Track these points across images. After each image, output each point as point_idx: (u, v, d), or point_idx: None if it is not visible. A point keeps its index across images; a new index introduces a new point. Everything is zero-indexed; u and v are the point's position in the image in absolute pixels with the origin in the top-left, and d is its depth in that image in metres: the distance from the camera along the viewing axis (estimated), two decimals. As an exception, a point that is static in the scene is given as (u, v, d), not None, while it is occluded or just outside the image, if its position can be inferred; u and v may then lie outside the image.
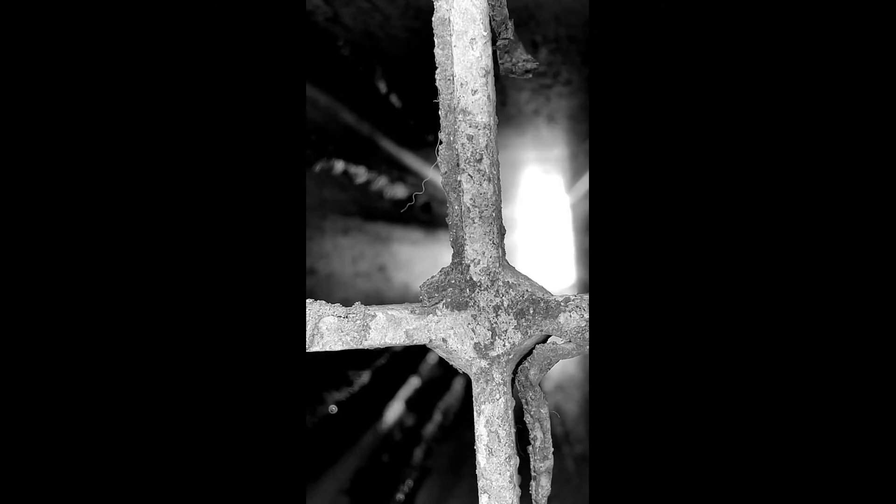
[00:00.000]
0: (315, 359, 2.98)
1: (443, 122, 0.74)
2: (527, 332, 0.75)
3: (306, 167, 3.27)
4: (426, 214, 6.68)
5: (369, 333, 0.75)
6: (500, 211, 0.75)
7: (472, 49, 0.73)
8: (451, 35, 0.73)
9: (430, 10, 0.74)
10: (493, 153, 0.74)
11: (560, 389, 5.44)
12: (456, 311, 0.75)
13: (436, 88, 0.75)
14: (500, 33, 0.76)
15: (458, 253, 0.76)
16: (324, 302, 0.75)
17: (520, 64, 0.77)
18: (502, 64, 0.77)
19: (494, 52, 0.76)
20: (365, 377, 4.28)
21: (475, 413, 0.76)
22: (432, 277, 0.76)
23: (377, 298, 4.84)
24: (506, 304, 0.75)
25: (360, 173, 4.26)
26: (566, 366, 6.09)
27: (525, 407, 0.80)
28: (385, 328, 0.75)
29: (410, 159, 5.48)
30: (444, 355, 0.77)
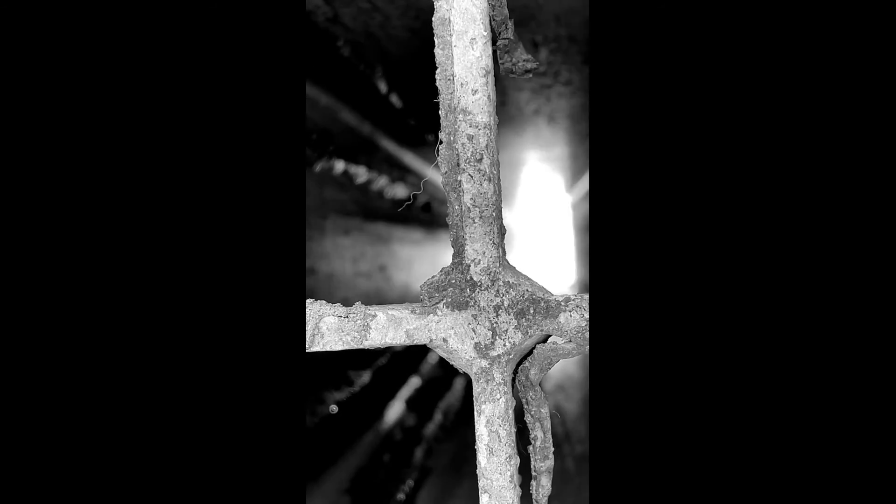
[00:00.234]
0: (315, 359, 2.98)
1: (443, 122, 0.74)
2: (527, 332, 0.75)
3: (307, 167, 3.27)
4: (426, 214, 6.68)
5: (370, 333, 0.75)
6: (500, 211, 0.75)
7: (473, 49, 0.73)
8: (451, 35, 0.73)
9: (431, 10, 0.74)
10: (494, 153, 0.74)
11: (560, 389, 5.44)
12: (456, 311, 0.75)
13: (436, 88, 0.75)
14: (500, 33, 0.76)
15: (459, 253, 0.76)
16: (324, 302, 0.75)
17: (520, 64, 0.77)
18: (502, 64, 0.78)
19: (495, 52, 0.76)
20: (365, 377, 4.29)
21: (476, 413, 0.76)
22: (433, 277, 0.76)
23: (377, 298, 4.85)
24: (506, 303, 0.75)
25: (361, 173, 4.26)
26: (566, 366, 6.09)
27: (525, 407, 0.80)
28: (386, 328, 0.75)
29: (411, 159, 5.49)
30: (444, 355, 0.78)
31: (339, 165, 3.82)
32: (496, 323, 0.75)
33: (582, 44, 2.84)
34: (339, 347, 0.75)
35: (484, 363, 0.76)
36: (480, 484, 0.77)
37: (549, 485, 0.79)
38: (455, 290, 0.75)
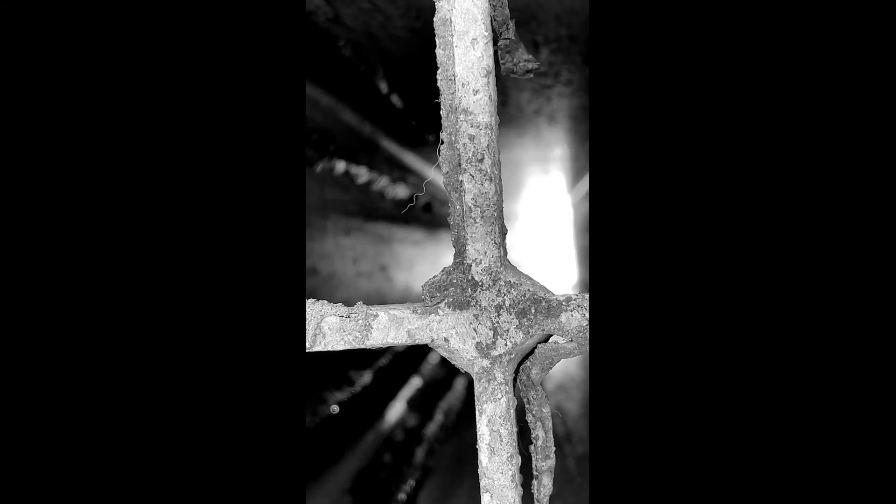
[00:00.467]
0: (317, 359, 2.98)
1: (444, 123, 0.75)
2: (528, 332, 0.75)
3: (308, 167, 3.28)
4: (428, 214, 6.68)
5: (371, 333, 0.75)
6: (501, 211, 0.76)
7: (474, 49, 0.73)
8: (452, 35, 0.73)
9: (432, 11, 0.74)
10: (495, 153, 0.74)
11: (562, 389, 5.44)
12: (458, 311, 0.76)
13: (437, 88, 0.75)
14: (501, 33, 0.76)
15: (460, 253, 0.76)
16: (326, 302, 0.75)
17: (521, 64, 0.77)
18: (503, 64, 0.78)
19: (496, 53, 0.76)
20: (367, 377, 4.29)
21: (477, 412, 0.77)
22: (434, 277, 0.76)
23: (379, 298, 4.85)
24: (507, 303, 0.75)
25: (362, 173, 4.26)
26: (568, 365, 6.09)
27: (527, 406, 0.80)
28: (387, 328, 0.75)
29: (412, 159, 5.49)
30: (445, 355, 0.78)
31: (341, 166, 3.82)
32: (497, 322, 0.75)
33: (583, 44, 2.84)
34: (340, 347, 0.75)
35: (485, 363, 0.76)
36: (482, 483, 0.77)
37: (551, 484, 0.79)
38: (456, 289, 0.75)
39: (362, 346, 0.75)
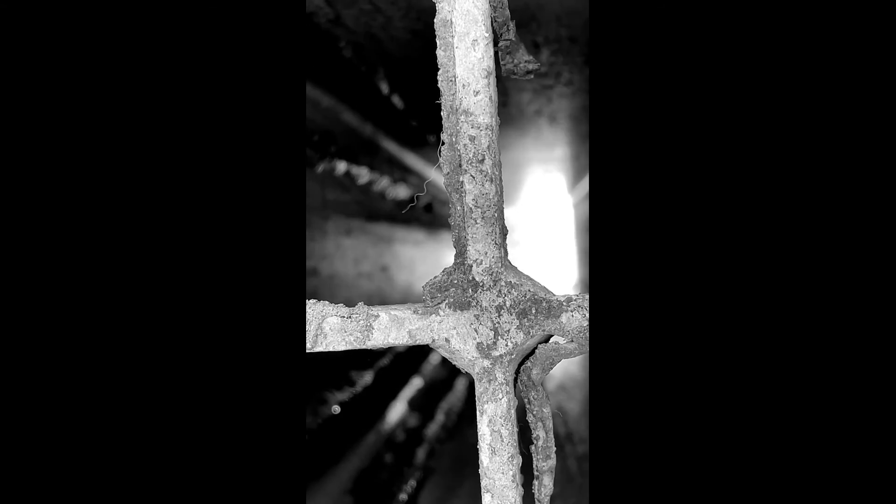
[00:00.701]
0: (317, 359, 2.98)
1: (445, 123, 0.75)
2: (529, 332, 0.75)
3: (309, 168, 3.28)
4: (428, 215, 6.68)
5: (372, 333, 0.75)
6: (502, 211, 0.76)
7: (474, 50, 0.73)
8: (453, 36, 0.73)
9: (432, 12, 0.74)
10: (495, 154, 0.74)
11: (562, 389, 5.44)
12: (458, 311, 0.76)
13: (438, 89, 0.75)
14: (501, 34, 0.76)
15: (461, 253, 0.76)
16: (327, 302, 0.75)
17: (521, 65, 0.77)
18: (504, 65, 0.78)
19: (496, 54, 0.76)
20: (367, 377, 4.29)
21: (478, 413, 0.77)
22: (435, 278, 0.76)
23: (380, 299, 4.85)
24: (508, 303, 0.75)
25: (363, 174, 4.26)
26: (568, 365, 6.09)
27: (527, 406, 0.80)
28: (388, 328, 0.75)
29: (412, 160, 5.49)
30: (446, 355, 0.78)
31: (341, 166, 3.83)
32: (498, 323, 0.76)
33: (583, 44, 2.84)
34: (342, 348, 0.75)
35: (486, 363, 0.76)
36: (483, 484, 0.77)
37: (552, 484, 0.79)
38: (457, 290, 0.76)
39: (363, 347, 0.75)
